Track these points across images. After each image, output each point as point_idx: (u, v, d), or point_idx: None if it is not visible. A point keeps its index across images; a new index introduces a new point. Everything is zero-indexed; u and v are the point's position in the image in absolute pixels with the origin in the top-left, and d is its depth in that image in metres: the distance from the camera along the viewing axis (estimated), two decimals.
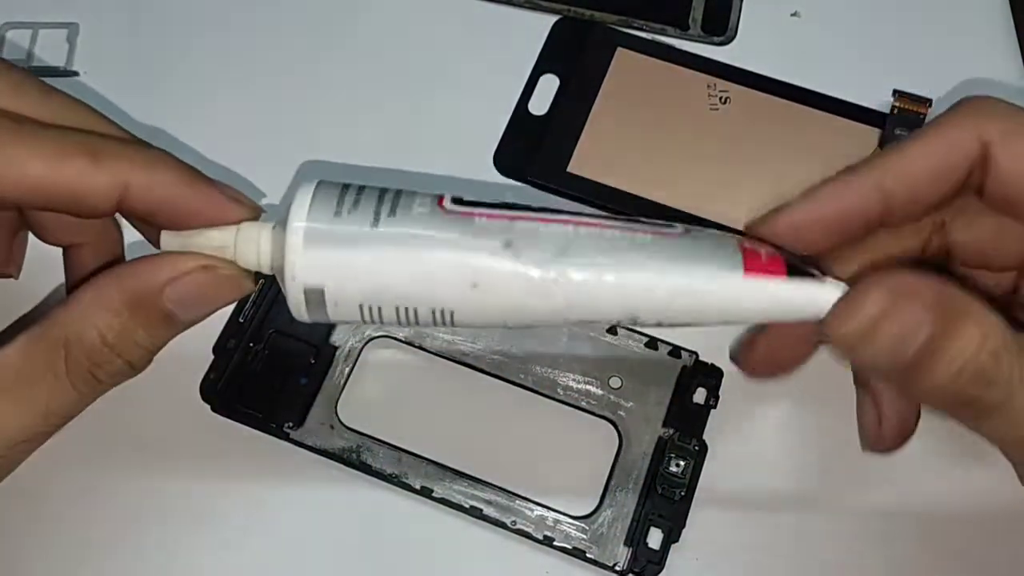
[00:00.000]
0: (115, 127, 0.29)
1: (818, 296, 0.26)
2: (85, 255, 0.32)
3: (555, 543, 0.35)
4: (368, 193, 0.27)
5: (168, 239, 0.27)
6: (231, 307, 0.37)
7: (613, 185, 0.42)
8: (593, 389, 0.37)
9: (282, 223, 0.27)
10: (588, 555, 0.35)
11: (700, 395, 0.37)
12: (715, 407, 0.37)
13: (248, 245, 0.27)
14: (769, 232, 0.29)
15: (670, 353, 0.38)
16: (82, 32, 0.45)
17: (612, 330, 0.38)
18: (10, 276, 0.34)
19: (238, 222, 0.27)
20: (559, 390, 0.37)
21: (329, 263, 0.26)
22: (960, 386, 0.25)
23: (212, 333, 0.37)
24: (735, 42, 0.46)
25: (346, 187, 0.27)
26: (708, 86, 0.44)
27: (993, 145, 0.28)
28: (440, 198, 0.27)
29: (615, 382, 0.37)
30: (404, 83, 0.44)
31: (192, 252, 0.27)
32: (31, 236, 0.34)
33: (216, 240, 0.27)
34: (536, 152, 0.43)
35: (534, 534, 0.35)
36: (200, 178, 0.28)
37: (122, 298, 0.27)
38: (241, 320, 0.38)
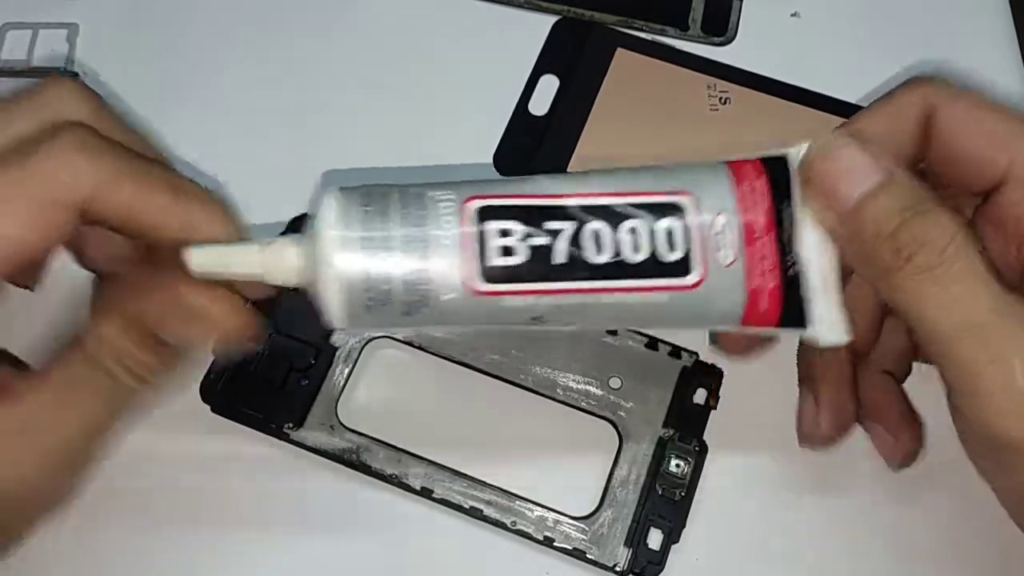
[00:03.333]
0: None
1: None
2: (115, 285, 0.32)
3: (555, 544, 0.35)
4: (391, 206, 0.27)
5: (198, 257, 0.27)
6: None
7: None
8: (593, 389, 0.37)
9: (311, 235, 0.27)
10: (588, 555, 0.35)
11: (700, 395, 0.37)
12: (715, 407, 0.37)
13: (277, 261, 0.27)
14: None
15: (670, 353, 0.38)
16: (82, 32, 0.45)
17: (612, 330, 0.38)
18: (28, 288, 0.34)
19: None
20: (559, 390, 0.37)
21: (364, 266, 0.26)
22: (899, 237, 0.26)
23: None
24: (735, 42, 0.46)
25: (367, 196, 0.27)
26: (708, 86, 0.44)
27: (938, 107, 0.29)
28: (467, 275, 0.27)
29: (615, 382, 0.37)
30: (404, 83, 0.44)
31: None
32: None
33: (243, 261, 0.27)
34: (536, 152, 0.43)
35: (534, 535, 0.35)
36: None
37: (129, 321, 0.27)
38: None
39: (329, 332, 0.38)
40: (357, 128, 0.43)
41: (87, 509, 0.35)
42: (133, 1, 0.46)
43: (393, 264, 0.26)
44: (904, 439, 0.33)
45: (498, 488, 0.36)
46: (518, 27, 0.45)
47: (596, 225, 0.27)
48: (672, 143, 0.43)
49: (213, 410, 0.36)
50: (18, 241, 0.25)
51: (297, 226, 0.39)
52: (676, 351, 0.38)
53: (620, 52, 0.45)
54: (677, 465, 0.36)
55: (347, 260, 0.26)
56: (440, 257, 0.27)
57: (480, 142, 0.43)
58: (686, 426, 0.37)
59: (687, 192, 0.28)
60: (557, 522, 0.35)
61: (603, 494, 0.36)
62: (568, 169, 0.42)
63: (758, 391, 0.37)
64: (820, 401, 0.33)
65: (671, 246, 0.28)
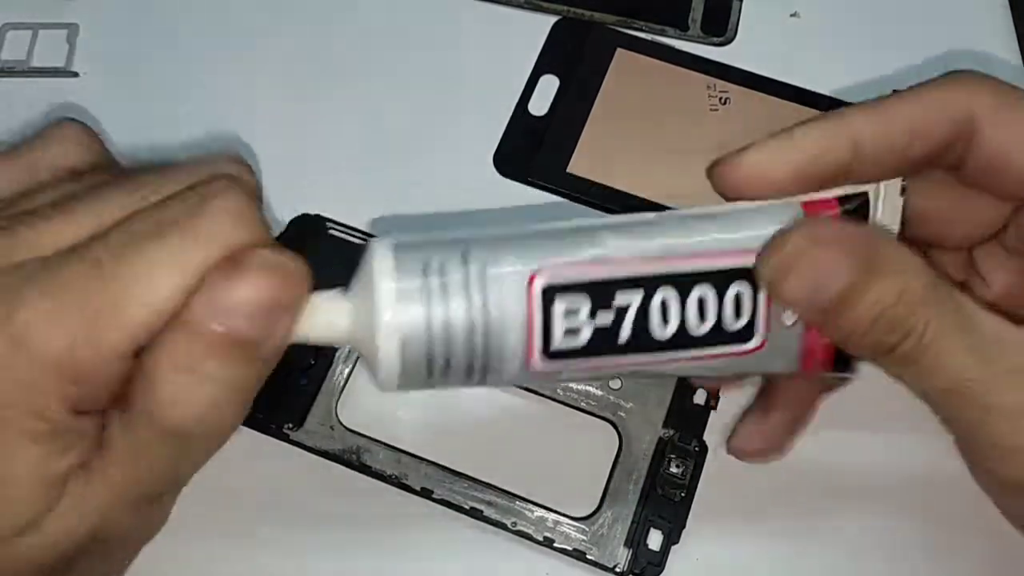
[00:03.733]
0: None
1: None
2: None
3: (555, 544, 0.35)
4: (452, 274, 0.26)
5: None
6: None
7: (613, 185, 0.42)
8: (593, 390, 0.37)
9: (364, 295, 0.26)
10: (588, 556, 0.35)
11: (700, 396, 0.37)
12: (715, 408, 0.37)
13: (321, 317, 0.26)
14: (734, 173, 0.28)
15: None
16: (82, 32, 0.45)
17: None
18: None
19: None
20: (559, 391, 0.37)
21: (426, 339, 0.25)
22: (875, 334, 0.26)
23: None
24: (735, 42, 0.46)
25: (427, 259, 0.26)
26: (708, 86, 0.44)
27: (981, 118, 0.28)
28: (529, 354, 0.26)
29: (615, 383, 0.37)
30: (403, 83, 0.44)
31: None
32: None
33: None
34: (536, 152, 0.43)
35: (534, 535, 0.35)
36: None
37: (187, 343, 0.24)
38: None
39: None
40: (357, 127, 0.43)
41: None
42: (133, 1, 0.46)
43: (455, 340, 0.25)
44: (772, 443, 0.34)
45: (498, 488, 0.36)
46: (518, 27, 0.45)
47: (664, 295, 0.26)
48: (672, 143, 0.43)
49: None
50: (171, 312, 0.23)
51: (297, 227, 0.39)
52: None
53: (620, 52, 0.45)
54: (677, 465, 0.36)
55: (409, 329, 0.25)
56: (503, 338, 0.26)
57: (480, 142, 0.43)
58: (686, 426, 0.37)
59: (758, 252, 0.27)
60: (557, 523, 0.35)
61: (603, 495, 0.36)
62: (568, 169, 0.42)
63: None
64: (771, 418, 0.33)
65: (737, 314, 0.27)
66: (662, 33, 0.45)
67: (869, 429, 0.37)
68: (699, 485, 0.36)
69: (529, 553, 0.35)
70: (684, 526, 0.35)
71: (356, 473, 0.36)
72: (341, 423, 0.36)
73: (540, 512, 0.35)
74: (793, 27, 0.47)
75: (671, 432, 0.36)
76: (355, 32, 0.45)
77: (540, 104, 0.44)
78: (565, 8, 0.46)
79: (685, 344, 0.27)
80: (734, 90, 0.44)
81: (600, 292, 0.26)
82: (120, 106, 0.42)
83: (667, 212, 0.28)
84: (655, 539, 0.35)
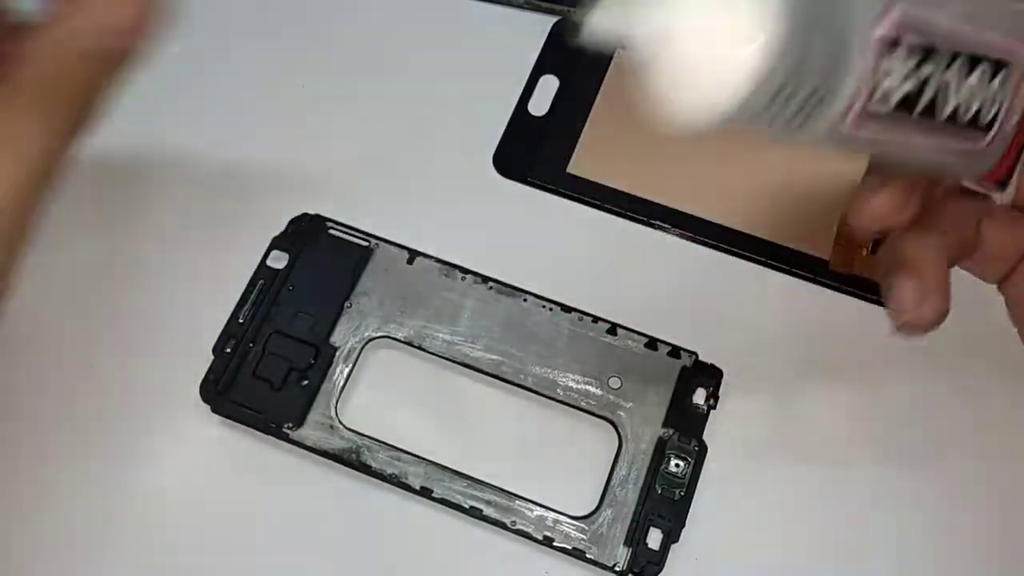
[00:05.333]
0: None
1: None
2: None
3: (555, 543, 0.35)
4: None
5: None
6: (230, 307, 0.38)
7: (613, 185, 0.42)
8: (593, 389, 0.37)
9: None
10: (588, 555, 0.35)
11: (700, 395, 0.37)
12: (715, 407, 0.37)
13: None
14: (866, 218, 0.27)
15: (670, 353, 0.38)
16: None
17: (612, 330, 0.38)
18: None
19: None
20: (559, 391, 0.37)
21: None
22: None
23: (211, 334, 0.37)
24: None
25: None
26: None
27: None
28: (853, 104, 0.23)
29: (615, 382, 0.37)
30: (403, 83, 0.44)
31: None
32: None
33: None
34: (536, 152, 0.43)
35: (534, 534, 0.35)
36: None
37: None
38: (241, 320, 0.38)
39: (329, 332, 0.38)
40: (357, 127, 0.43)
41: (85, 509, 0.35)
42: None
43: (788, 64, 0.22)
44: (932, 304, 0.31)
45: (498, 488, 0.36)
46: (518, 27, 0.45)
47: (958, 75, 0.24)
48: (672, 143, 0.43)
49: (213, 410, 0.36)
50: None
51: (296, 227, 0.39)
52: (676, 351, 0.38)
53: (620, 52, 0.45)
54: (677, 465, 0.36)
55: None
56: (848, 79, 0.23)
57: (480, 142, 0.43)
58: (686, 426, 0.37)
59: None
60: (557, 522, 0.35)
61: (603, 494, 0.36)
62: (568, 169, 0.42)
63: (758, 391, 0.37)
64: (927, 284, 0.30)
65: (993, 106, 0.25)
66: None
67: (871, 430, 0.37)
68: (699, 484, 0.36)
69: (528, 552, 0.35)
70: (684, 525, 0.35)
71: (356, 473, 0.36)
72: (341, 423, 0.36)
73: (539, 511, 0.35)
74: None
75: (671, 432, 0.36)
76: (355, 32, 0.46)
77: (540, 104, 0.44)
78: (565, 8, 0.46)
79: (947, 132, 0.25)
80: None
81: (928, 57, 0.24)
82: (119, 106, 0.42)
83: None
84: (655, 538, 0.35)
